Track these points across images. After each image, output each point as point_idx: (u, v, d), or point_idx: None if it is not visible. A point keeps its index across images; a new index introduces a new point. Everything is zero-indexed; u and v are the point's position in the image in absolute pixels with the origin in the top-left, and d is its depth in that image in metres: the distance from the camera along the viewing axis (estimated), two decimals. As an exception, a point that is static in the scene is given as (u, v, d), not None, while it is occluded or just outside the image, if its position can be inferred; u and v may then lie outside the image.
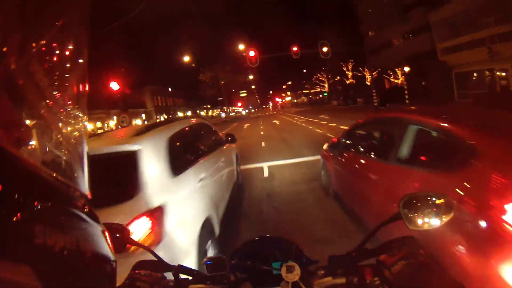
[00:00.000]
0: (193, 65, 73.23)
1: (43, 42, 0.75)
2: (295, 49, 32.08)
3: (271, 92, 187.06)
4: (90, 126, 61.87)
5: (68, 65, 0.87)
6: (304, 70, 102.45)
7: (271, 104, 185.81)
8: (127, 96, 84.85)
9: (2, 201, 0.49)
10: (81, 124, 0.90)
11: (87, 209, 0.76)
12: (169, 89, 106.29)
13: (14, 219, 0.49)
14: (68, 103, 0.86)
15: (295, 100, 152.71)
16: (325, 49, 32.00)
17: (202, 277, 1.44)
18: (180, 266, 1.44)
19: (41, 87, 0.76)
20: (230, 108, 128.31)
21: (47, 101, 0.78)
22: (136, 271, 1.42)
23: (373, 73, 60.35)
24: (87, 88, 0.92)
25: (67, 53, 0.87)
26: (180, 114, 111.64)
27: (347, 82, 77.32)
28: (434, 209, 1.31)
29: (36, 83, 0.75)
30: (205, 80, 77.20)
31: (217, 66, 77.01)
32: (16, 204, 0.51)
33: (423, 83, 42.62)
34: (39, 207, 0.55)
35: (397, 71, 53.99)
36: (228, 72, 79.96)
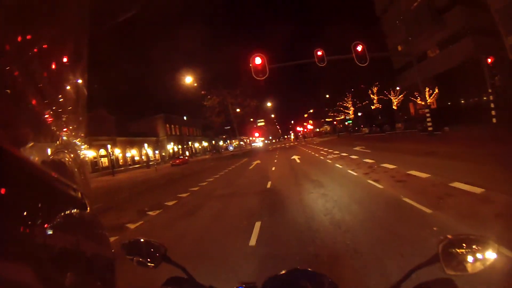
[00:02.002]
0: (202, 92, 62.93)
1: (43, 42, 0.77)
2: (319, 53, 25.27)
3: (292, 121, 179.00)
4: (92, 153, 60.02)
5: (68, 65, 0.89)
6: (327, 96, 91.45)
7: (292, 134, 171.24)
8: (137, 125, 78.43)
9: (2, 201, 0.50)
10: (81, 124, 0.90)
11: (87, 209, 0.77)
12: (184, 118, 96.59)
13: (14, 219, 0.51)
14: (68, 103, 0.89)
15: (318, 129, 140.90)
16: (359, 48, 24.81)
17: None
18: (211, 286, 1.45)
19: (41, 87, 0.80)
20: (250, 138, 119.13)
21: (47, 101, 0.81)
22: (166, 287, 1.41)
23: (400, 96, 58.32)
24: (86, 89, 0.90)
25: (67, 53, 0.88)
26: (196, 144, 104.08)
27: (373, 107, 70.99)
28: (475, 253, 1.25)
29: (36, 83, 0.77)
30: (211, 106, 66.22)
31: (225, 89, 65.78)
32: (16, 204, 0.53)
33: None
34: (39, 207, 0.58)
35: (426, 91, 45.16)
36: (238, 96, 68.56)
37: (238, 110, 70.52)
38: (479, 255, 1.23)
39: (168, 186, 22.83)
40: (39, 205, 0.57)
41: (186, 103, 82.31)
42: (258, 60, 23.18)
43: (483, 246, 1.24)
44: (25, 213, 0.52)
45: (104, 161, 63.33)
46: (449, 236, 1.30)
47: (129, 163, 72.82)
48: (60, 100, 0.88)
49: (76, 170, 0.80)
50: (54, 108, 0.84)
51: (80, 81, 0.94)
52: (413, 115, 55.19)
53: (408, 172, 12.51)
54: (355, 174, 14.61)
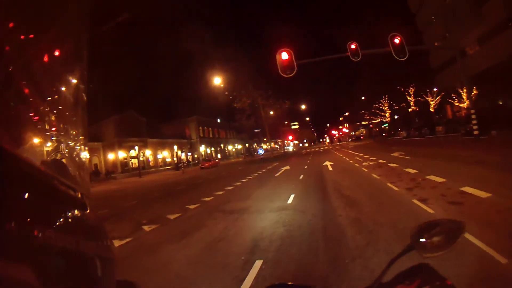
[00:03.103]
0: (234, 94, 61.63)
1: (43, 42, 0.77)
2: (353, 46, 22.40)
3: (327, 124, 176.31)
4: (122, 154, 61.83)
5: (68, 65, 0.87)
6: (363, 98, 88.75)
7: (327, 138, 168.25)
8: (169, 126, 77.96)
9: (2, 201, 0.50)
10: (81, 124, 0.90)
11: (87, 209, 0.76)
12: (218, 120, 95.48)
13: (14, 219, 0.50)
14: (69, 103, 0.87)
15: (353, 133, 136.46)
16: (397, 41, 21.94)
17: None
18: None
19: (41, 87, 0.78)
20: (284, 141, 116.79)
21: (47, 101, 0.79)
22: None
23: (438, 98, 56.14)
24: (86, 90, 0.92)
25: (67, 53, 0.87)
26: (229, 146, 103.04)
27: (410, 110, 68.27)
28: (445, 234, 1.33)
29: (36, 83, 0.76)
30: (241, 108, 64.23)
31: (256, 91, 63.53)
32: (16, 204, 0.52)
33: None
34: (39, 207, 0.57)
35: (463, 92, 44.64)
36: (270, 97, 66.21)
37: (271, 112, 68.25)
38: (448, 235, 1.31)
39: (183, 193, 20.96)
40: (39, 206, 0.55)
41: (220, 105, 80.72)
42: (284, 56, 20.73)
43: (450, 225, 1.36)
44: (25, 214, 0.51)
45: (135, 162, 62.66)
46: (419, 224, 1.39)
47: (160, 164, 72.10)
48: (57, 98, 0.83)
49: (76, 170, 0.78)
50: (54, 108, 0.80)
51: (79, 84, 0.88)
52: (451, 117, 52.46)
53: (462, 189, 9.71)
54: (396, 189, 11.72)
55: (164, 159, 74.17)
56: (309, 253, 6.46)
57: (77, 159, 0.86)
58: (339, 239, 7.00)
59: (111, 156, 61.40)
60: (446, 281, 1.26)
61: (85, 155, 0.90)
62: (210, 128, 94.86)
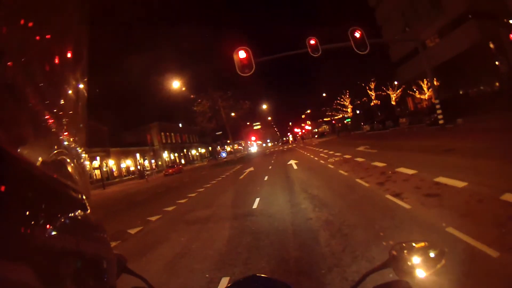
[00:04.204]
0: (192, 96, 60.99)
1: (44, 42, 0.77)
2: (312, 42, 21.99)
3: (290, 123, 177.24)
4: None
5: (68, 66, 0.87)
6: (324, 94, 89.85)
7: (290, 136, 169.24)
8: (131, 134, 76.77)
9: (2, 201, 0.50)
10: (80, 124, 0.90)
11: (87, 210, 0.76)
12: (180, 125, 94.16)
13: (14, 219, 0.51)
14: (68, 103, 0.87)
15: (316, 130, 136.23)
16: (358, 35, 21.91)
17: None
18: None
19: (42, 87, 0.78)
20: (247, 142, 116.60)
21: (47, 101, 0.79)
22: None
23: (399, 90, 56.88)
24: (86, 91, 0.93)
25: (67, 53, 0.86)
26: (193, 151, 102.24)
27: (371, 104, 69.23)
28: (425, 258, 1.28)
29: (36, 83, 0.76)
30: (202, 111, 63.75)
31: (216, 93, 63.15)
32: (16, 205, 0.53)
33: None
34: (39, 208, 0.58)
35: (424, 84, 46.05)
36: (230, 99, 65.87)
37: (232, 114, 67.92)
38: (427, 261, 1.25)
39: (146, 203, 20.34)
40: (39, 206, 0.55)
41: (181, 110, 79.88)
42: (242, 54, 20.22)
43: (432, 252, 1.27)
44: (25, 214, 0.52)
45: (98, 173, 60.69)
46: (400, 242, 1.33)
47: (124, 174, 70.53)
48: (61, 102, 0.84)
49: (76, 171, 0.77)
50: (54, 110, 0.80)
51: (81, 85, 0.90)
52: (413, 109, 53.75)
53: (436, 180, 9.30)
54: (366, 185, 11.26)
55: (127, 168, 72.58)
56: (281, 265, 5.89)
57: (76, 160, 0.83)
58: (312, 246, 6.44)
59: None
60: None
61: (84, 156, 0.89)
62: (172, 134, 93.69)
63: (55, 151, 0.76)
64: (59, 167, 0.76)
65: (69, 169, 0.79)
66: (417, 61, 38.33)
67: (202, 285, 5.62)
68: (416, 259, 1.26)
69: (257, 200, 12.74)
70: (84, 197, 0.76)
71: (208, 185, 23.00)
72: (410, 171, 11.47)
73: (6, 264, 0.44)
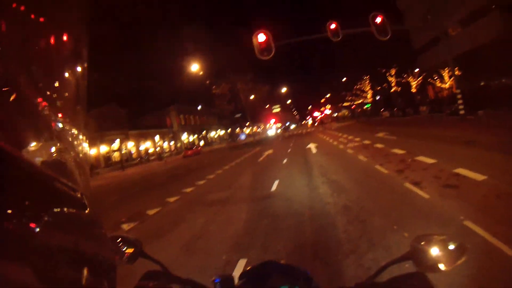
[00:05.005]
0: (208, 81, 60.80)
1: (44, 42, 0.79)
2: (332, 26, 21.37)
3: (309, 106, 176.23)
4: (105, 148, 59.76)
5: (68, 65, 0.88)
6: (344, 79, 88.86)
7: (310, 119, 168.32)
8: (150, 117, 77.18)
9: (2, 201, 0.51)
10: (81, 124, 0.91)
11: (87, 210, 0.77)
12: (199, 108, 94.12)
13: (14, 219, 0.52)
14: (69, 103, 0.88)
15: (335, 114, 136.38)
16: (379, 20, 21.26)
17: None
18: (188, 280, 1.44)
19: (42, 87, 0.79)
20: (267, 125, 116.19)
21: (47, 101, 0.80)
22: (144, 282, 1.42)
23: (419, 78, 56.75)
24: (86, 89, 0.94)
25: (67, 53, 0.87)
26: (212, 133, 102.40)
27: (391, 90, 68.25)
28: (446, 253, 1.25)
29: (36, 83, 0.77)
30: (221, 94, 63.58)
31: (235, 76, 62.82)
32: (16, 205, 0.54)
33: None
34: (39, 208, 0.58)
35: (445, 73, 45.18)
36: (250, 82, 65.56)
37: (251, 96, 67.67)
38: (448, 255, 1.22)
39: (164, 185, 20.30)
40: (39, 206, 0.56)
41: (200, 92, 79.71)
42: (261, 37, 19.85)
43: (454, 246, 1.24)
44: (25, 214, 0.52)
45: (117, 155, 61.36)
46: (422, 235, 1.30)
47: (143, 155, 70.74)
48: (56, 85, 0.83)
49: (76, 170, 0.77)
50: (48, 93, 0.80)
51: (79, 68, 0.88)
52: (433, 98, 52.59)
53: (456, 171, 9.12)
54: (385, 171, 11.15)
55: (146, 150, 73.07)
56: (297, 249, 5.92)
57: (77, 157, 0.82)
58: (329, 231, 6.42)
59: (93, 151, 59.28)
60: None
61: (85, 146, 0.89)
62: (191, 116, 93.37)
63: (56, 149, 0.77)
64: (59, 166, 0.77)
65: (69, 165, 0.79)
66: (438, 50, 37.64)
67: (219, 266, 5.62)
68: (436, 252, 1.23)
69: (276, 182, 12.73)
70: (83, 196, 0.77)
71: (227, 167, 23.04)
72: (430, 160, 11.28)
73: (6, 264, 0.45)
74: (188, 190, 15.15)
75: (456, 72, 34.90)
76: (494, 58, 31.77)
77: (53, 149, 0.76)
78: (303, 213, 8.09)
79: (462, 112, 24.78)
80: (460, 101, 24.96)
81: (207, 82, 61.08)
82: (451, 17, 38.03)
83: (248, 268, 1.57)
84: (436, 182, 8.55)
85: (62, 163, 0.78)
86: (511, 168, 8.57)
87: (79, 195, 0.75)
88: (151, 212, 11.51)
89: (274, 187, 11.91)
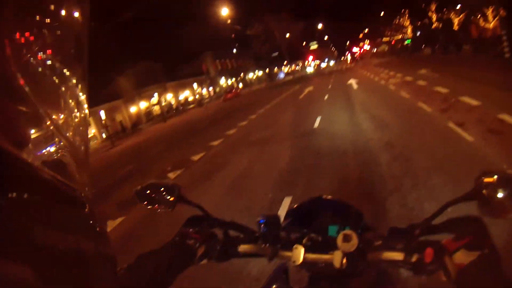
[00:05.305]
0: (238, 26, 59.85)
1: (44, 41, 0.78)
2: None
3: (348, 42, 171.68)
4: (144, 104, 62.02)
5: (68, 65, 0.87)
6: (382, 13, 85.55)
7: (349, 56, 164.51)
8: (186, 66, 77.39)
9: (2, 201, 0.50)
10: (83, 123, 0.90)
11: (87, 209, 0.73)
12: (234, 51, 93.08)
13: (14, 219, 0.51)
14: (70, 102, 0.88)
15: (374, 50, 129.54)
16: None
17: (254, 236, 1.34)
18: (231, 222, 1.39)
19: (42, 87, 0.79)
20: (306, 62, 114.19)
21: (48, 101, 0.80)
22: (186, 228, 1.40)
23: (462, 15, 51.86)
24: (87, 89, 0.93)
25: (68, 53, 0.87)
26: (250, 74, 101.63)
27: (432, 27, 63.73)
28: None
29: (37, 83, 0.76)
30: (256, 34, 62.57)
31: (268, 15, 61.52)
32: (16, 205, 0.53)
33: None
34: (39, 208, 0.58)
35: (489, 12, 41.44)
36: (284, 20, 64.16)
37: (287, 35, 66.39)
38: None
39: (207, 129, 20.57)
40: (39, 206, 0.55)
41: (234, 36, 78.54)
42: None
43: None
44: (24, 213, 0.52)
45: (157, 109, 62.36)
46: (492, 171, 1.06)
47: (183, 104, 71.50)
48: (62, 98, 0.84)
49: (76, 168, 0.76)
50: (55, 105, 0.81)
51: (76, 13, 0.85)
52: (476, 37, 49.20)
53: (500, 117, 8.59)
54: (428, 109, 10.85)
55: (186, 99, 73.86)
56: (341, 186, 5.99)
57: (78, 156, 0.81)
58: (373, 167, 6.46)
59: (133, 109, 61.03)
60: (495, 250, 1.01)
61: (87, 147, 0.87)
62: (227, 60, 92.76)
63: (56, 149, 0.77)
64: (59, 165, 0.76)
65: (69, 166, 0.78)
66: None
67: (265, 205, 5.79)
68: (507, 194, 1.03)
69: (318, 119, 12.76)
70: (83, 193, 0.75)
71: (268, 106, 23.25)
72: (474, 102, 10.77)
73: (6, 264, 0.44)
74: (231, 132, 15.40)
75: (501, 12, 33.26)
76: None
77: (57, 151, 0.77)
78: (346, 149, 8.12)
79: (507, 55, 23.13)
80: (505, 43, 23.46)
81: (238, 26, 59.97)
82: None
83: (294, 206, 1.47)
84: (480, 125, 8.23)
85: (62, 162, 0.77)
86: None
87: (79, 194, 0.74)
88: (195, 157, 11.75)
89: (316, 124, 11.95)
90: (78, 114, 0.87)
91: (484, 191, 1.05)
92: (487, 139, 7.17)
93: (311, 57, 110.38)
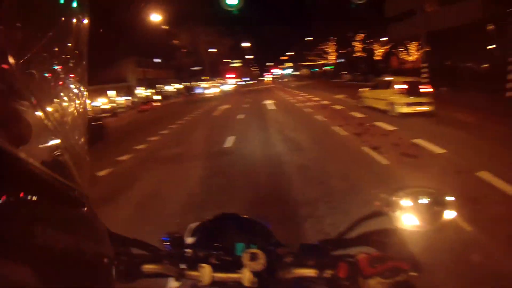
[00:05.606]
0: (167, 31, 59.59)
1: (44, 41, 0.77)
2: None
3: (270, 63, 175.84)
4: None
5: (67, 65, 0.88)
6: (309, 38, 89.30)
7: (269, 76, 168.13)
8: (107, 71, 75.05)
9: (2, 201, 0.51)
10: (81, 123, 0.90)
11: (87, 209, 0.75)
12: (157, 60, 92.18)
13: (14, 219, 0.52)
14: (69, 102, 0.87)
15: (295, 73, 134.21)
16: None
17: (159, 254, 1.26)
18: (134, 240, 1.29)
19: (42, 87, 0.78)
20: (226, 80, 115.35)
21: (47, 101, 0.78)
22: None
23: (386, 47, 56.44)
24: (86, 90, 0.93)
25: (67, 52, 0.87)
26: (167, 87, 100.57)
27: (356, 55, 68.34)
28: (431, 209, 1.15)
29: (37, 83, 0.77)
30: (182, 46, 62.38)
31: (197, 28, 61.71)
32: (16, 204, 0.54)
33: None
34: (39, 207, 0.59)
35: (412, 46, 46.27)
36: (212, 34, 64.49)
37: (215, 50, 66.58)
38: (434, 211, 1.13)
39: (117, 142, 19.33)
40: (39, 205, 0.56)
41: (160, 44, 77.63)
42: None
43: (441, 202, 1.13)
44: (24, 213, 0.53)
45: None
46: (401, 188, 1.18)
47: (98, 112, 69.18)
48: (61, 98, 0.83)
49: (76, 168, 0.75)
50: (54, 105, 0.79)
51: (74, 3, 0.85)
52: (396, 68, 51.65)
53: (414, 141, 9.20)
54: (343, 133, 11.14)
55: (100, 107, 71.66)
56: (254, 210, 5.67)
57: (77, 155, 0.80)
58: (287, 192, 6.27)
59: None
60: (413, 261, 1.06)
61: (86, 147, 0.88)
62: (149, 69, 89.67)
63: (55, 148, 0.72)
64: (58, 166, 0.71)
65: (69, 166, 0.73)
66: (410, 22, 38.00)
67: (172, 231, 5.32)
68: (412, 207, 1.12)
69: (232, 138, 12.44)
70: (81, 193, 0.73)
71: (183, 121, 22.68)
72: (389, 127, 11.39)
73: (6, 264, 0.44)
74: (141, 147, 14.60)
75: (425, 48, 35.90)
76: (464, 42, 32.72)
77: (56, 150, 0.73)
78: (260, 171, 7.94)
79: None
80: (425, 75, 24.99)
81: (167, 31, 59.58)
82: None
83: (198, 224, 1.40)
84: (395, 149, 8.61)
85: (62, 162, 0.73)
86: (467, 145, 8.58)
87: (78, 195, 0.72)
88: (102, 173, 10.86)
89: (230, 143, 11.67)
90: (77, 114, 0.86)
91: (388, 207, 1.13)
92: (402, 162, 7.47)
93: (232, 75, 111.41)
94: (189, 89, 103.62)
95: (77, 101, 0.86)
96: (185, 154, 11.16)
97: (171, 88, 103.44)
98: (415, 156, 7.84)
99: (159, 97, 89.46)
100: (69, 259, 0.58)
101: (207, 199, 6.55)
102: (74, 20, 0.84)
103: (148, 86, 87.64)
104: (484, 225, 4.38)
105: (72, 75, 0.86)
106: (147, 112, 51.11)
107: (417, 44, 43.98)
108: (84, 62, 0.88)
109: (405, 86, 14.62)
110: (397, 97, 14.53)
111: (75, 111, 0.85)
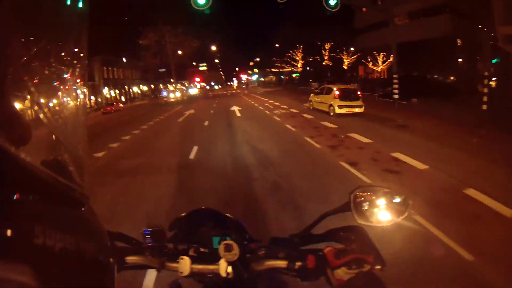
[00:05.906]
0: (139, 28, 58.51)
1: (44, 41, 0.78)
2: None
3: (237, 68, 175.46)
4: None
5: (68, 65, 0.88)
6: (277, 45, 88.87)
7: (236, 82, 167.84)
8: None
9: (2, 201, 0.52)
10: (81, 123, 0.92)
11: (87, 209, 0.78)
12: (124, 60, 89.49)
13: (14, 219, 0.52)
14: (69, 103, 0.88)
15: (262, 79, 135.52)
16: None
17: (141, 247, 1.35)
18: (117, 233, 1.37)
19: (42, 87, 0.78)
20: (192, 83, 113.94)
21: (48, 101, 0.80)
22: None
23: (353, 57, 58.61)
24: (87, 88, 0.93)
25: (67, 52, 0.88)
26: (135, 88, 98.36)
27: (324, 63, 70.39)
28: (388, 206, 1.25)
29: (37, 83, 0.77)
30: (147, 45, 61.20)
31: (165, 27, 60.70)
32: (16, 204, 0.55)
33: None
34: (39, 207, 0.59)
35: (379, 57, 47.62)
36: (179, 36, 63.46)
37: (180, 52, 65.43)
38: (390, 208, 1.23)
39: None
40: (39, 206, 0.57)
41: (127, 42, 76.03)
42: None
43: (397, 201, 1.24)
44: (24, 214, 0.53)
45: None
46: (362, 186, 1.29)
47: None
48: (61, 98, 0.84)
49: (76, 169, 0.76)
50: (54, 105, 0.80)
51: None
52: (362, 77, 54.90)
53: (394, 155, 8.87)
54: (317, 146, 10.59)
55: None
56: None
57: (76, 155, 0.81)
58: (258, 218, 5.55)
59: None
60: (378, 256, 1.14)
61: (86, 147, 0.90)
62: (115, 68, 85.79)
63: (55, 148, 0.74)
64: (58, 166, 0.73)
65: (69, 167, 0.74)
66: (379, 34, 39.79)
67: (152, 224, 4.56)
68: (377, 205, 1.22)
69: (195, 148, 11.68)
70: (83, 194, 0.74)
71: (145, 127, 21.92)
72: (364, 139, 11.04)
73: (6, 264, 0.45)
74: (100, 154, 13.51)
75: (392, 59, 36.32)
76: (433, 55, 34.97)
77: (56, 151, 0.75)
78: (226, 189, 7.25)
79: (396, 96, 24.69)
80: (395, 86, 24.95)
81: (134, 28, 58.34)
82: (401, 7, 38.96)
83: (177, 217, 1.45)
84: (375, 165, 8.30)
85: (62, 162, 0.74)
86: (450, 159, 8.44)
87: (78, 195, 0.73)
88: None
89: (192, 155, 10.94)
90: (77, 114, 0.87)
91: (358, 203, 1.22)
92: (386, 179, 7.13)
93: (198, 79, 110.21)
94: (154, 92, 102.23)
95: (78, 101, 0.84)
96: (146, 165, 10.41)
97: (136, 89, 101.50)
98: (397, 173, 7.57)
99: (123, 99, 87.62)
100: (69, 259, 0.58)
101: (167, 221, 5.70)
102: (75, 20, 0.83)
103: (114, 86, 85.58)
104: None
105: (72, 75, 0.84)
106: (111, 114, 50.08)
107: (382, 56, 46.03)
108: (85, 62, 0.87)
109: (338, 93, 18.48)
110: (335, 101, 18.22)
111: (75, 111, 0.84)
